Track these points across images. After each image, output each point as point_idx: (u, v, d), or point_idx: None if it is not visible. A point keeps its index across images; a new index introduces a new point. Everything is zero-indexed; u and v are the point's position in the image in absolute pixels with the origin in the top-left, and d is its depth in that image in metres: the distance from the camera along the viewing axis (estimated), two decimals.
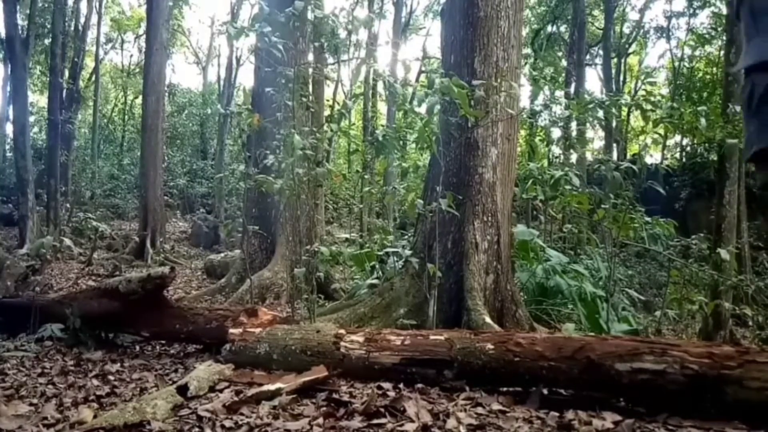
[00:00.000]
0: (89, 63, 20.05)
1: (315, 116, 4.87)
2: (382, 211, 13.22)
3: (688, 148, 16.03)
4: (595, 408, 1.81)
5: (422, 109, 3.55)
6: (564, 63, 17.49)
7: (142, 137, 11.76)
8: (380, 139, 3.77)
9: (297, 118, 3.69)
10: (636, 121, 17.61)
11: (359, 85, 18.25)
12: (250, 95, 7.41)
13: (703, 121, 3.91)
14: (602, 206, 4.28)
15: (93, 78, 19.92)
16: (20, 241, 9.88)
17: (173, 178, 17.16)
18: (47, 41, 15.24)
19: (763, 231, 10.96)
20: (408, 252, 3.99)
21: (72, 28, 16.70)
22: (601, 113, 4.14)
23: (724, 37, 7.86)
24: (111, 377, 2.56)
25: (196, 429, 1.70)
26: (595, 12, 19.12)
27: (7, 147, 16.65)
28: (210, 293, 6.54)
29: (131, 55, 24.10)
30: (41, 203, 11.94)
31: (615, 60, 18.17)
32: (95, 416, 1.84)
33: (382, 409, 1.69)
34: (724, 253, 4.83)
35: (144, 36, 14.78)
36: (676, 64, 17.23)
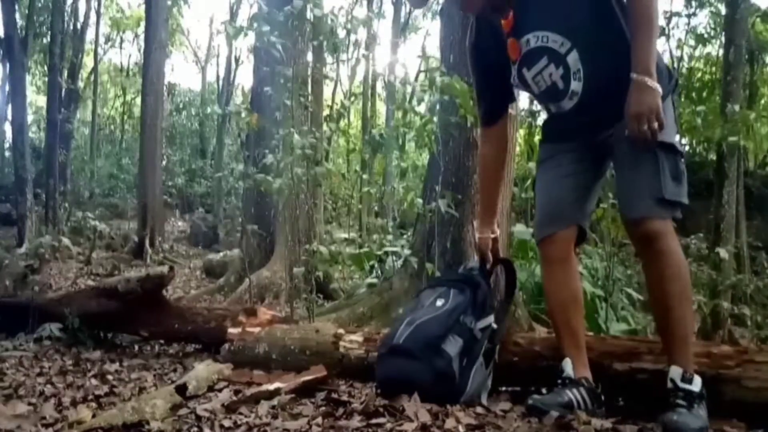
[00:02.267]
0: (88, 62, 20.03)
1: (314, 116, 4.88)
2: (381, 210, 13.22)
3: (687, 148, 16.07)
4: (596, 407, 1.81)
5: (421, 109, 3.55)
6: None
7: (141, 137, 11.75)
8: (377, 138, 3.78)
9: (296, 118, 3.69)
10: None
11: (358, 84, 18.25)
12: (249, 95, 7.40)
13: (700, 121, 3.92)
14: (601, 206, 4.29)
15: (92, 77, 19.90)
16: (19, 240, 9.86)
17: (172, 178, 17.13)
18: (46, 40, 15.23)
19: (762, 231, 10.98)
20: (407, 251, 3.99)
21: (71, 28, 16.68)
22: None
23: (723, 37, 7.86)
24: (110, 377, 2.55)
25: (195, 428, 1.70)
26: None
27: (6, 146, 16.63)
28: (209, 293, 6.54)
29: (130, 55, 24.15)
30: (40, 203, 11.91)
31: None
32: (94, 416, 1.83)
33: (381, 409, 1.69)
34: (722, 253, 4.84)
35: (143, 35, 14.76)
36: (675, 64, 17.23)
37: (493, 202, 2.18)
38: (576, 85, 1.80)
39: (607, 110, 1.77)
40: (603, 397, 1.84)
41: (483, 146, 2.20)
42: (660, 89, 1.64)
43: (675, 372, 1.69)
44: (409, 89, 5.85)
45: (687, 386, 1.66)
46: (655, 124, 1.62)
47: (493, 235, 2.12)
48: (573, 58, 1.77)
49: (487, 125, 2.10)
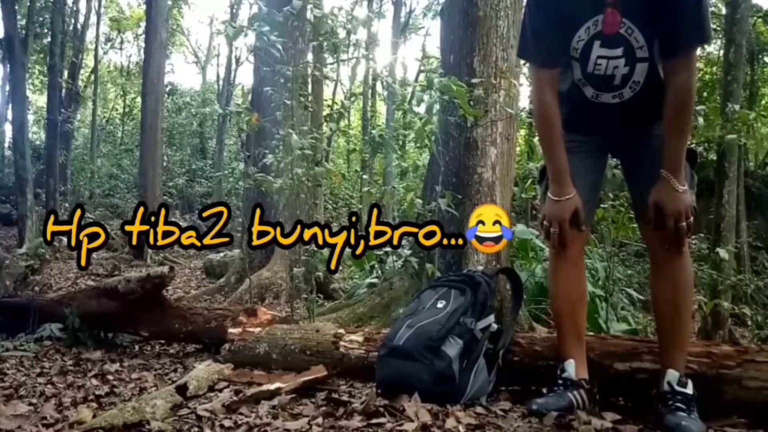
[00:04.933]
0: (88, 62, 20.02)
1: (314, 116, 4.88)
2: (382, 210, 13.19)
3: None
4: (594, 408, 1.81)
5: (421, 109, 3.55)
6: None
7: (141, 137, 11.75)
8: (377, 138, 3.78)
9: (296, 118, 3.69)
10: None
11: (358, 84, 18.24)
12: (249, 95, 7.40)
13: (701, 120, 3.91)
14: (601, 206, 4.28)
15: (92, 77, 19.89)
16: (19, 240, 9.88)
17: (172, 178, 17.12)
18: (46, 41, 15.22)
19: (762, 231, 10.96)
20: (407, 251, 3.98)
21: (71, 28, 16.68)
22: None
23: (724, 37, 7.86)
24: (110, 377, 2.55)
25: (196, 428, 1.70)
26: None
27: (6, 146, 16.63)
28: (209, 293, 6.54)
29: (130, 55, 24.06)
30: (40, 203, 11.93)
31: None
32: (94, 416, 1.83)
33: (381, 409, 1.69)
34: (723, 253, 4.83)
35: (143, 35, 14.76)
36: None
37: (564, 157, 1.82)
38: (627, 93, 1.78)
39: (639, 120, 1.81)
40: (598, 396, 1.85)
41: (541, 92, 1.82)
42: (687, 188, 1.68)
43: (672, 376, 1.71)
44: (408, 90, 5.85)
45: (683, 389, 1.68)
46: (691, 219, 1.65)
47: (574, 194, 1.79)
48: (641, 69, 1.74)
49: (543, 67, 1.83)
